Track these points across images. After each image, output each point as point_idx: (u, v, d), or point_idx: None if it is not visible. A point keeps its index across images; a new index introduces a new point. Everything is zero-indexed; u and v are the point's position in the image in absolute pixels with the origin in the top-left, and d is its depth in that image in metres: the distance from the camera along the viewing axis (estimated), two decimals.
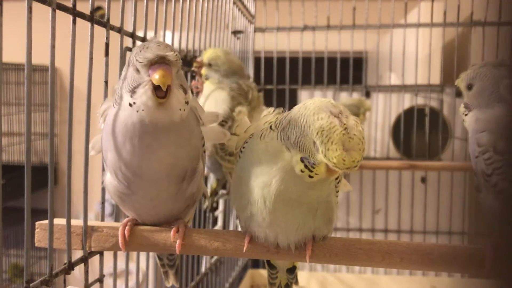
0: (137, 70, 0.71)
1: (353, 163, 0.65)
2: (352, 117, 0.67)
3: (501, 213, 0.73)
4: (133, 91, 0.71)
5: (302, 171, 0.69)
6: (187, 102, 0.73)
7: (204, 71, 1.37)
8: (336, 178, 0.76)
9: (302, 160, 0.68)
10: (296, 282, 0.96)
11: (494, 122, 0.76)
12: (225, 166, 1.39)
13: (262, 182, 0.73)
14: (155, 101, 0.70)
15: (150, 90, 0.70)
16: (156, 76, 0.69)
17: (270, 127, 0.74)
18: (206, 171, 1.42)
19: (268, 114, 0.81)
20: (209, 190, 1.49)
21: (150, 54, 0.70)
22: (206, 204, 1.50)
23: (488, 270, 0.75)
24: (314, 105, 0.68)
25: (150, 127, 0.72)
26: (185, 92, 0.74)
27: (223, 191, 1.65)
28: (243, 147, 0.79)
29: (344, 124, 0.65)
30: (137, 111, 0.70)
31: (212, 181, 1.49)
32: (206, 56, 1.37)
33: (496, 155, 0.74)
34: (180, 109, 0.72)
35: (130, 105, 0.71)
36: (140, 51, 0.71)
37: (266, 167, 0.72)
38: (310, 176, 0.68)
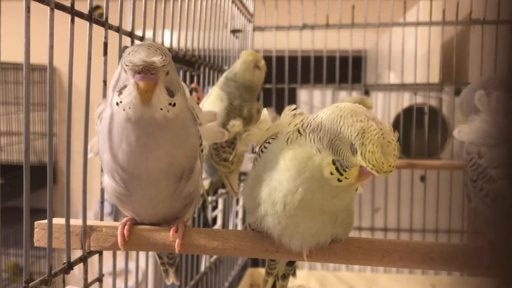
0: (125, 71, 0.72)
1: (389, 168, 0.66)
2: (385, 123, 0.67)
3: (491, 217, 0.74)
4: (120, 92, 0.72)
5: (331, 173, 0.68)
6: (172, 104, 0.73)
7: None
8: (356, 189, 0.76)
9: (333, 163, 0.68)
10: (294, 274, 0.96)
11: (475, 133, 0.77)
12: (221, 170, 1.39)
13: (287, 189, 0.72)
14: (140, 100, 0.71)
15: (135, 91, 0.71)
16: (140, 85, 0.70)
17: (298, 131, 0.73)
18: (204, 175, 1.42)
19: (289, 112, 0.78)
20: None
21: (136, 60, 0.70)
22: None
23: (486, 269, 0.75)
24: (349, 108, 0.68)
25: (141, 125, 0.72)
26: (171, 95, 0.73)
27: (223, 190, 1.65)
28: (265, 147, 0.78)
29: (381, 129, 0.66)
30: (124, 109, 0.72)
31: (206, 182, 1.47)
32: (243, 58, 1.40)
33: (479, 160, 0.75)
34: (161, 109, 0.72)
35: (117, 103, 0.72)
36: (129, 53, 0.72)
37: (292, 174, 0.71)
38: (339, 180, 0.68)
